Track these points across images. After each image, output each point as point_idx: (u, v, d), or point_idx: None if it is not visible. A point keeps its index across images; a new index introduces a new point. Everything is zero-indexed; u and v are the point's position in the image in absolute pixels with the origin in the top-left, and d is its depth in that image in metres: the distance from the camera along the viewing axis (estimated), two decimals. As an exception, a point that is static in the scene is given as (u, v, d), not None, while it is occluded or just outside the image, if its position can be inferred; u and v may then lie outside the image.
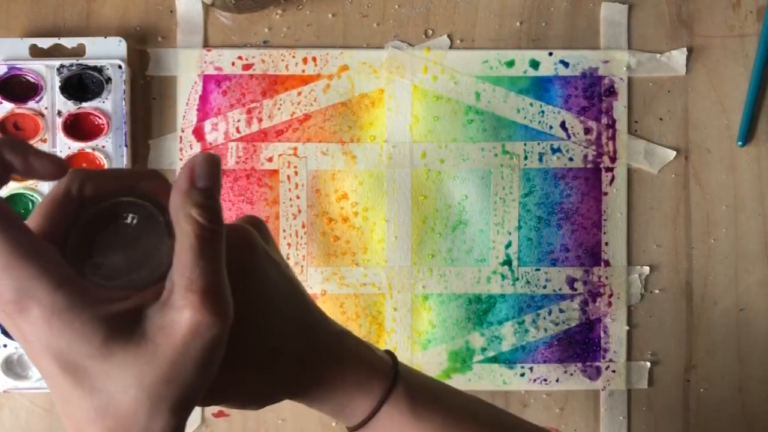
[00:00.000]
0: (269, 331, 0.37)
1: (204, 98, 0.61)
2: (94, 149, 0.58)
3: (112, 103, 0.58)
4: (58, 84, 0.58)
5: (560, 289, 0.61)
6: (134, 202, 0.34)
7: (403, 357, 0.60)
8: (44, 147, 0.58)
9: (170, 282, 0.32)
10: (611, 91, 0.61)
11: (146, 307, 0.31)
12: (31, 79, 0.58)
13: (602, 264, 0.61)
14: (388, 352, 0.41)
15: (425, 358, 0.60)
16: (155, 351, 0.31)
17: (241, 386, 0.37)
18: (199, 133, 0.60)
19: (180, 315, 0.31)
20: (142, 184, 0.34)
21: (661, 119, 0.61)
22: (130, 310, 0.31)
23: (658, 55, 0.61)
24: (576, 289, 0.61)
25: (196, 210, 0.32)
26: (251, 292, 0.36)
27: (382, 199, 0.60)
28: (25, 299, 0.30)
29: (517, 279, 0.61)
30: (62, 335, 0.30)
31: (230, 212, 0.60)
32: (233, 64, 0.61)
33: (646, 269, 0.61)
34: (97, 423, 0.31)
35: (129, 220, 0.34)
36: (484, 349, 0.61)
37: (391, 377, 0.39)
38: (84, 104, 0.58)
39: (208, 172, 0.33)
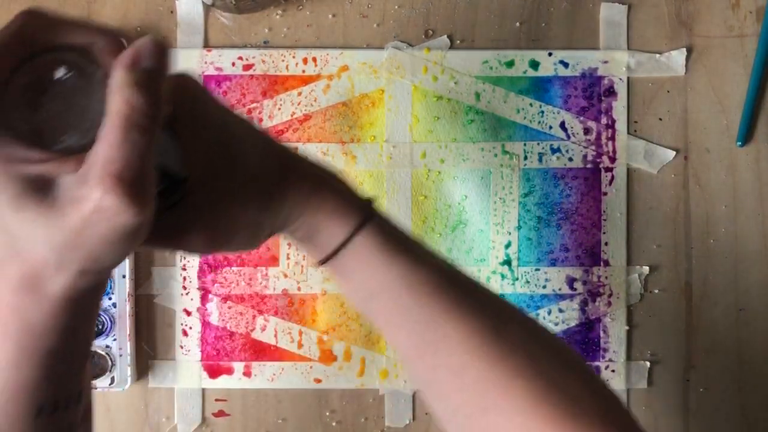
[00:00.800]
0: (242, 162, 0.36)
1: (204, 98, 0.61)
2: (94, 149, 0.58)
3: (112, 103, 0.58)
4: (58, 84, 0.58)
5: (560, 289, 0.61)
6: (79, 60, 0.32)
7: (403, 357, 0.60)
8: (45, 147, 0.58)
9: (94, 155, 0.30)
10: (611, 92, 0.61)
11: (63, 174, 0.30)
12: (32, 80, 0.58)
13: (602, 264, 0.61)
14: (369, 198, 0.41)
15: (425, 358, 0.60)
16: (63, 219, 0.30)
17: (231, 224, 0.36)
18: (199, 133, 0.60)
19: (90, 193, 0.29)
20: (97, 42, 0.32)
21: (660, 119, 0.61)
22: (44, 175, 0.30)
23: (657, 56, 0.61)
24: (576, 289, 0.61)
25: (132, 90, 0.30)
26: (211, 131, 0.36)
27: (382, 199, 0.61)
28: None
29: (517, 279, 0.61)
30: None
31: (230, 212, 0.60)
32: (233, 64, 0.61)
33: (646, 269, 0.61)
34: (11, 262, 0.31)
35: (70, 79, 0.32)
36: (483, 349, 0.61)
37: (365, 212, 0.39)
38: (84, 104, 0.58)
39: (156, 53, 0.32)
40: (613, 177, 0.61)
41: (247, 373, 0.60)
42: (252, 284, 0.60)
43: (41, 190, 0.30)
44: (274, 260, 0.61)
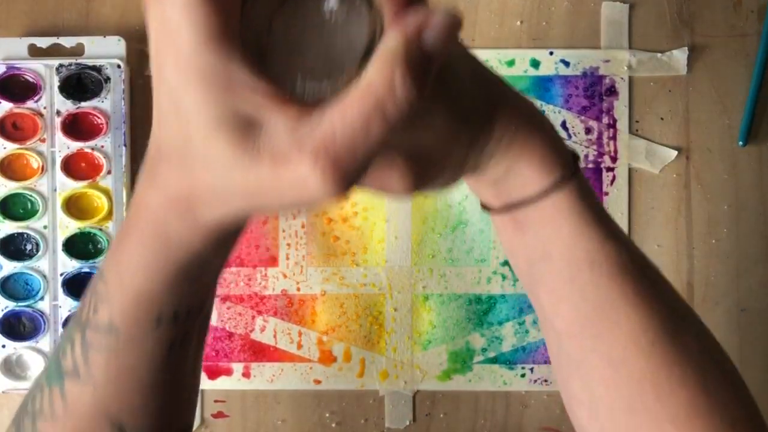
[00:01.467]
0: (458, 91, 0.32)
1: (203, 98, 0.60)
2: (93, 149, 0.58)
3: (111, 103, 0.58)
4: (57, 83, 0.58)
5: (561, 290, 0.60)
6: (350, 3, 0.27)
7: (403, 357, 0.60)
8: (43, 147, 0.58)
9: (322, 121, 0.26)
10: (612, 91, 0.61)
11: (278, 119, 0.26)
12: (30, 79, 0.58)
13: (603, 264, 0.61)
14: (574, 152, 0.36)
15: (425, 359, 0.60)
16: (255, 167, 0.26)
17: (441, 160, 0.32)
18: (198, 132, 0.60)
19: (298, 161, 0.25)
20: None
21: (662, 119, 0.61)
22: (259, 112, 0.26)
23: (659, 55, 0.61)
24: (577, 290, 0.60)
25: (402, 72, 0.25)
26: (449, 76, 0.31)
27: (382, 199, 0.60)
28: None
29: (518, 279, 0.60)
30: (190, 82, 0.26)
31: (230, 212, 0.60)
32: (233, 63, 0.60)
33: None
34: (177, 175, 0.28)
35: (333, 15, 0.27)
36: (484, 350, 0.60)
37: (569, 167, 0.34)
38: (83, 104, 0.58)
39: (447, 34, 0.26)
40: (614, 177, 0.61)
41: (246, 374, 0.60)
42: (251, 284, 0.60)
43: (249, 127, 0.26)
44: (273, 260, 0.60)
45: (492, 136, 0.33)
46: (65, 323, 0.57)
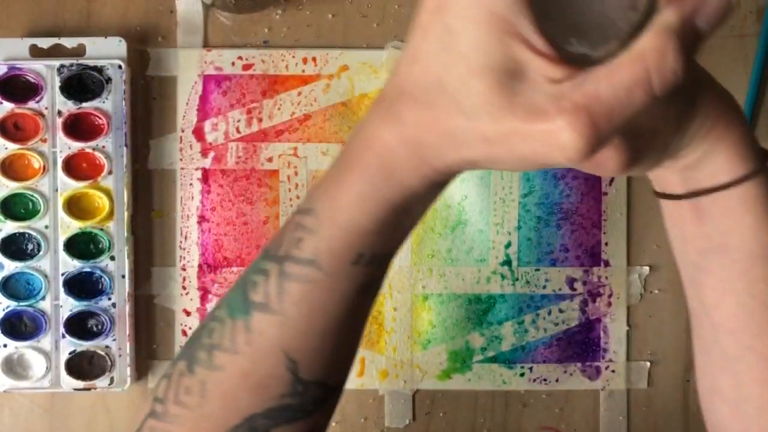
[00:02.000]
0: None
1: (204, 98, 0.61)
2: (94, 149, 0.58)
3: (112, 103, 0.58)
4: (58, 84, 0.58)
5: (560, 289, 0.61)
6: None
7: (402, 356, 0.60)
8: (44, 147, 0.58)
9: (584, 81, 0.26)
10: (611, 92, 0.61)
11: (542, 75, 0.27)
12: (32, 79, 0.58)
13: (602, 264, 0.61)
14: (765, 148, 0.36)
15: (425, 358, 0.60)
16: (507, 116, 0.27)
17: (651, 139, 0.33)
18: (199, 133, 0.60)
19: (554, 115, 0.26)
20: None
21: (660, 119, 0.61)
22: (525, 65, 0.27)
23: (657, 56, 0.61)
24: (576, 289, 0.61)
25: (672, 49, 0.26)
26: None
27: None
28: None
29: (517, 279, 0.61)
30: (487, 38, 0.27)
31: (230, 212, 0.60)
32: (233, 64, 0.61)
33: (646, 269, 0.61)
34: (422, 111, 0.29)
35: None
36: (483, 349, 0.61)
37: (762, 160, 0.35)
38: (84, 104, 0.58)
39: (719, 16, 0.27)
40: (613, 178, 0.61)
41: (246, 374, 0.60)
42: (252, 284, 0.60)
43: (512, 76, 0.27)
44: (273, 260, 0.60)
45: (695, 118, 0.33)
46: (67, 323, 0.58)
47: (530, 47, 0.27)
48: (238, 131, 0.60)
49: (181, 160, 0.60)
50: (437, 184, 0.32)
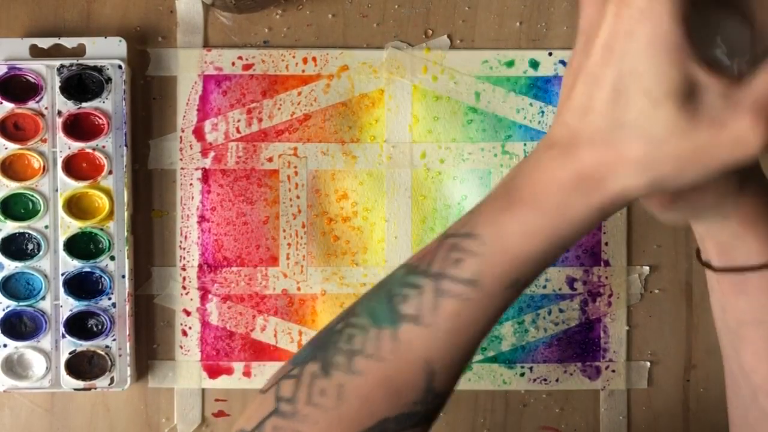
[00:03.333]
0: None
1: (204, 98, 0.61)
2: (94, 149, 0.58)
3: (112, 103, 0.58)
4: (58, 84, 0.58)
5: (560, 289, 0.61)
6: None
7: (402, 357, 0.60)
8: (44, 147, 0.58)
9: (755, 83, 0.31)
10: (611, 91, 0.61)
11: (711, 89, 0.31)
12: (32, 79, 0.58)
13: (602, 264, 0.61)
14: None
15: (425, 358, 0.60)
16: (691, 131, 0.31)
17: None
18: (199, 133, 0.61)
19: (737, 119, 0.30)
20: None
21: (660, 119, 0.61)
22: (698, 82, 0.31)
23: (657, 55, 0.61)
24: (576, 289, 0.61)
25: None
26: None
27: (382, 199, 0.61)
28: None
29: (517, 279, 0.61)
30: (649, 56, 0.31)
31: (230, 212, 0.60)
32: (233, 64, 0.61)
33: (646, 269, 0.61)
34: (593, 148, 0.33)
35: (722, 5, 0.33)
36: (483, 349, 0.61)
37: None
38: (84, 104, 0.58)
39: None
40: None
41: (246, 373, 0.60)
42: (252, 284, 0.60)
43: (690, 95, 0.31)
44: (273, 260, 0.61)
45: (732, 190, 0.37)
46: (67, 323, 0.58)
47: (699, 65, 0.31)
48: (238, 131, 0.60)
49: (181, 160, 0.60)
50: (606, 214, 0.34)
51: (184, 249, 0.60)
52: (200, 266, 0.60)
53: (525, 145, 0.61)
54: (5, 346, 0.58)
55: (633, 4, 0.31)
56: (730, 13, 0.34)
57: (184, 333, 0.60)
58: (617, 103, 0.32)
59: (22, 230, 0.58)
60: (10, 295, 0.58)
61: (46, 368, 0.58)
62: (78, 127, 0.59)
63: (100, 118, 0.58)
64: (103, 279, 0.58)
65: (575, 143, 0.33)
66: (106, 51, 0.59)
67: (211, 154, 0.61)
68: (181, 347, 0.60)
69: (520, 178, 0.35)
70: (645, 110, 0.31)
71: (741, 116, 0.30)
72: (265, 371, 0.60)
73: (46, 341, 0.58)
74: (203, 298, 0.60)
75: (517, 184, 0.35)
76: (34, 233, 0.58)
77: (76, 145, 0.58)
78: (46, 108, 0.58)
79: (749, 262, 0.38)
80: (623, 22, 0.31)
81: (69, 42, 0.59)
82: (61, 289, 0.58)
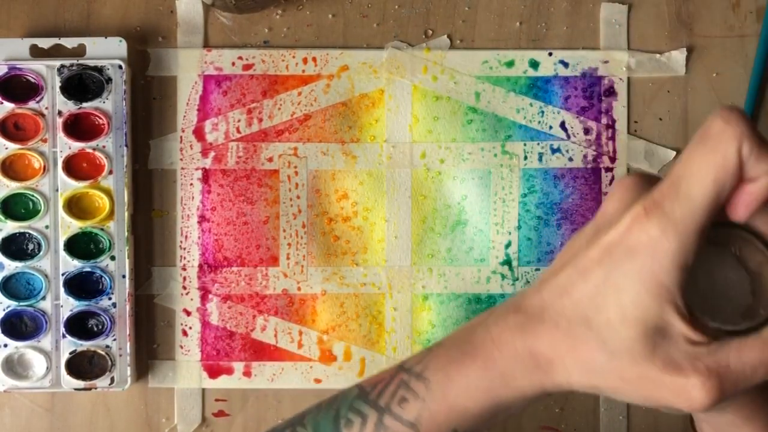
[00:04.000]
0: None
1: (204, 98, 0.61)
2: (94, 149, 0.58)
3: (112, 103, 0.58)
4: (58, 84, 0.58)
5: (560, 289, 0.61)
6: (756, 245, 0.33)
7: (403, 357, 0.60)
8: (44, 147, 0.58)
9: (717, 347, 0.32)
10: (611, 91, 0.61)
11: (682, 336, 0.32)
12: (32, 79, 0.58)
13: (602, 264, 0.61)
14: None
15: (425, 358, 0.60)
16: (646, 364, 0.32)
17: None
18: (199, 133, 0.61)
19: (687, 374, 0.32)
20: (763, 219, 0.33)
21: (660, 119, 0.61)
22: (668, 328, 0.32)
23: (657, 56, 0.61)
24: (576, 289, 0.61)
25: None
26: None
27: (382, 199, 0.61)
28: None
29: (517, 279, 0.61)
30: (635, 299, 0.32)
31: (230, 212, 0.60)
32: (233, 64, 0.61)
33: None
34: (554, 336, 0.34)
35: (734, 254, 0.34)
36: (483, 349, 0.61)
37: None
38: (84, 104, 0.58)
39: None
40: (613, 177, 0.61)
41: (247, 373, 0.60)
42: (252, 284, 0.60)
43: (658, 332, 0.32)
44: (274, 260, 0.61)
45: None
46: (67, 323, 0.58)
47: (679, 312, 0.32)
48: (239, 131, 0.61)
49: (181, 160, 0.61)
50: (546, 395, 0.36)
51: (185, 249, 0.60)
52: (200, 266, 0.60)
53: (525, 145, 0.61)
54: (5, 346, 0.58)
55: (646, 227, 0.31)
56: (740, 276, 0.34)
57: (185, 333, 0.60)
58: (593, 301, 0.33)
59: (22, 230, 0.58)
60: (11, 295, 0.58)
61: (47, 368, 0.58)
62: (78, 127, 0.59)
63: (100, 118, 0.58)
64: (103, 279, 0.58)
65: (543, 319, 0.34)
66: (107, 51, 0.59)
67: (212, 154, 0.61)
68: (182, 347, 0.60)
69: (481, 331, 0.36)
70: (613, 322, 0.32)
71: (695, 372, 0.31)
72: (265, 371, 0.60)
73: (46, 341, 0.58)
74: (203, 298, 0.60)
75: (476, 338, 0.36)
76: (34, 233, 0.58)
77: (77, 145, 0.58)
78: (46, 108, 0.58)
79: None
80: (632, 237, 0.32)
81: (69, 42, 0.59)
82: (62, 289, 0.58)
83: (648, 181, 0.34)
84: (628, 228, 0.32)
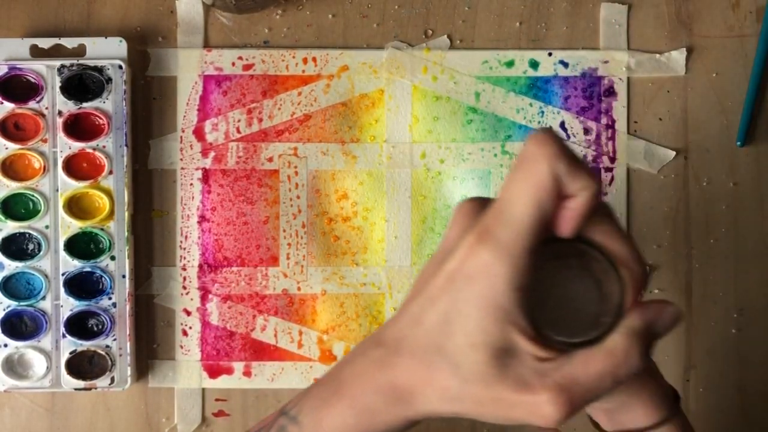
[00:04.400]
0: None
1: (204, 98, 0.61)
2: (94, 149, 0.58)
3: (112, 103, 0.58)
4: (58, 84, 0.58)
5: (560, 289, 0.61)
6: (593, 255, 0.34)
7: (402, 357, 0.60)
8: (45, 147, 0.58)
9: (563, 362, 0.33)
10: (611, 92, 0.61)
11: (529, 353, 0.33)
12: (32, 79, 0.58)
13: (602, 264, 0.61)
14: (676, 393, 0.43)
15: (425, 358, 0.60)
16: (495, 385, 0.33)
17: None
18: (199, 133, 0.61)
19: (536, 391, 0.32)
20: (625, 264, 0.34)
21: (660, 119, 0.61)
22: (514, 348, 0.33)
23: (657, 56, 0.61)
24: (575, 289, 0.61)
25: (635, 352, 0.33)
26: None
27: (382, 199, 0.61)
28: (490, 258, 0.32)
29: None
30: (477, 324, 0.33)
31: (230, 212, 0.60)
32: (233, 64, 0.61)
33: (646, 269, 0.61)
34: (407, 373, 0.35)
35: (579, 266, 0.35)
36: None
37: (674, 406, 0.42)
38: (84, 104, 0.58)
39: (670, 326, 0.35)
40: (613, 177, 0.61)
41: (247, 373, 0.60)
42: (252, 284, 0.60)
43: (506, 353, 0.33)
44: (274, 260, 0.61)
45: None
46: (67, 322, 0.58)
47: (522, 332, 0.32)
48: (239, 131, 0.61)
49: (181, 160, 0.61)
50: (414, 423, 0.36)
51: (185, 249, 0.60)
52: (200, 266, 0.60)
53: (525, 145, 0.61)
54: (6, 346, 0.58)
55: (479, 254, 0.32)
56: (587, 287, 0.35)
57: (185, 333, 0.60)
58: (443, 329, 0.33)
59: (22, 230, 0.58)
60: (11, 295, 0.58)
61: (47, 368, 0.58)
62: (78, 127, 0.59)
63: (100, 118, 0.58)
64: (103, 279, 0.58)
65: (400, 350, 0.35)
66: (107, 51, 0.59)
67: (212, 154, 0.61)
68: (182, 347, 0.60)
69: (347, 369, 0.37)
70: (462, 348, 0.33)
71: (544, 388, 0.32)
72: (265, 371, 0.60)
73: (46, 341, 0.58)
74: (203, 298, 0.60)
75: (343, 374, 0.37)
76: (34, 233, 0.58)
77: (77, 145, 0.58)
78: (46, 108, 0.58)
79: (637, 426, 0.41)
80: (469, 264, 0.33)
81: (69, 42, 0.59)
82: (62, 289, 0.58)
83: (484, 205, 0.35)
84: (464, 256, 0.33)
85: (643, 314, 0.34)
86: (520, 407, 0.33)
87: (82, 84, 0.59)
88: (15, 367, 0.58)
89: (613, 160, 0.61)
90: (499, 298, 0.32)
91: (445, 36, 0.61)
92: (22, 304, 0.58)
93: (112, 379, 0.58)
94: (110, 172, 0.58)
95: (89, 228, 0.58)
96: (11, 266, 0.58)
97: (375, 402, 0.35)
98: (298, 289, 0.61)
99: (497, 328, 0.32)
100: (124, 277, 0.58)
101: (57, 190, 0.58)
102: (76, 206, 0.59)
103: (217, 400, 0.61)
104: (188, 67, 0.61)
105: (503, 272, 0.32)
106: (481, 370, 0.33)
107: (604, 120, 0.61)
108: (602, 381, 0.32)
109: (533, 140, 0.33)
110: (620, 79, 0.61)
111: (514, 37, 0.61)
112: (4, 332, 0.58)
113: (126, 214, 0.58)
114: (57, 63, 0.58)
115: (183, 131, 0.61)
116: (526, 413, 0.33)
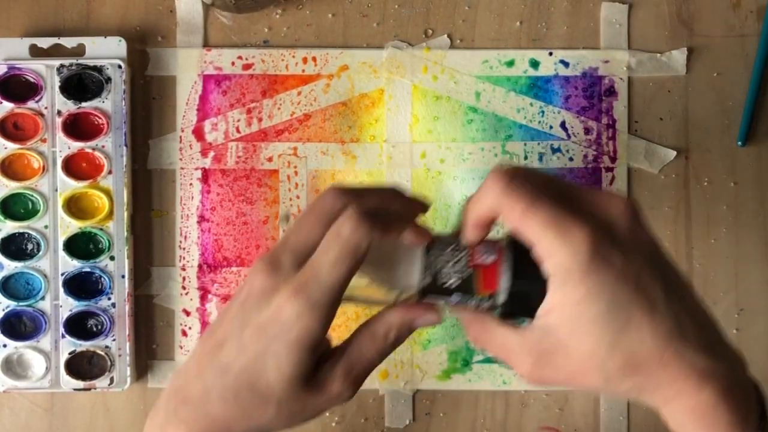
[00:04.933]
0: None
1: (204, 98, 0.61)
2: (94, 149, 0.58)
3: (111, 103, 0.58)
4: (57, 84, 0.58)
5: (560, 289, 0.60)
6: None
7: (402, 357, 0.60)
8: (44, 147, 0.58)
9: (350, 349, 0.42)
10: (611, 91, 0.61)
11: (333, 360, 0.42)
12: (31, 79, 0.58)
13: (602, 264, 0.61)
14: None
15: (425, 358, 0.60)
16: (305, 400, 0.40)
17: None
18: (199, 133, 0.60)
19: (341, 387, 0.41)
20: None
21: (661, 119, 0.61)
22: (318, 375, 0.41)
23: (658, 55, 0.61)
24: (576, 289, 0.60)
25: (395, 334, 0.43)
26: None
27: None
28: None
29: (517, 279, 0.60)
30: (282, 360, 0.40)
31: (230, 212, 0.60)
32: (233, 63, 0.61)
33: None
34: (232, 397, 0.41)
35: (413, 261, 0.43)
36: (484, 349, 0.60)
37: (755, 421, 0.39)
38: (84, 104, 0.58)
39: (423, 325, 0.44)
40: (613, 177, 0.61)
41: (246, 374, 0.60)
42: (251, 284, 0.60)
43: (311, 377, 0.41)
44: (273, 260, 0.60)
45: (660, 386, 0.38)
46: (66, 323, 0.58)
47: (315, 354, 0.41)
48: (238, 131, 0.60)
49: (180, 159, 0.60)
50: None
51: (184, 249, 0.60)
52: (200, 266, 0.60)
53: (525, 144, 0.61)
54: (5, 346, 0.58)
55: (294, 307, 0.39)
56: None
57: (184, 333, 0.60)
58: (254, 369, 0.40)
59: (21, 230, 0.58)
60: (10, 295, 0.58)
61: (46, 368, 0.58)
62: (78, 127, 0.59)
63: (99, 118, 0.58)
64: (102, 279, 0.58)
65: (208, 400, 0.41)
66: (106, 51, 0.59)
67: (211, 153, 0.60)
68: (181, 347, 0.60)
69: (153, 424, 0.42)
70: (273, 382, 0.40)
71: (336, 380, 0.41)
72: (264, 371, 0.60)
73: (45, 341, 0.58)
74: (203, 298, 0.60)
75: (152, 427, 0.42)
76: (33, 233, 0.58)
77: (76, 145, 0.58)
78: (45, 108, 0.58)
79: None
80: (283, 314, 0.39)
81: (69, 42, 0.59)
82: (61, 289, 0.58)
83: (276, 266, 0.40)
84: (279, 307, 0.39)
85: (405, 312, 0.42)
86: (327, 401, 0.41)
87: (82, 84, 0.59)
88: (14, 367, 0.58)
89: (613, 159, 0.61)
90: (309, 340, 0.39)
91: (446, 35, 0.61)
92: (21, 304, 0.58)
93: (112, 380, 0.58)
94: (109, 172, 0.58)
95: (88, 228, 0.58)
96: (10, 266, 0.58)
97: None
98: (298, 289, 0.60)
99: (307, 358, 0.39)
100: (123, 277, 0.58)
101: (56, 190, 0.58)
102: (75, 206, 0.59)
103: (216, 400, 0.60)
104: (188, 67, 0.60)
105: (310, 325, 0.39)
106: (289, 396, 0.39)
107: (604, 120, 0.61)
108: (372, 360, 0.42)
109: (342, 219, 0.39)
110: (621, 78, 0.61)
111: (514, 37, 0.61)
112: (3, 332, 0.57)
113: (125, 214, 0.58)
114: (56, 63, 0.58)
115: (182, 131, 0.60)
116: (333, 402, 0.41)
